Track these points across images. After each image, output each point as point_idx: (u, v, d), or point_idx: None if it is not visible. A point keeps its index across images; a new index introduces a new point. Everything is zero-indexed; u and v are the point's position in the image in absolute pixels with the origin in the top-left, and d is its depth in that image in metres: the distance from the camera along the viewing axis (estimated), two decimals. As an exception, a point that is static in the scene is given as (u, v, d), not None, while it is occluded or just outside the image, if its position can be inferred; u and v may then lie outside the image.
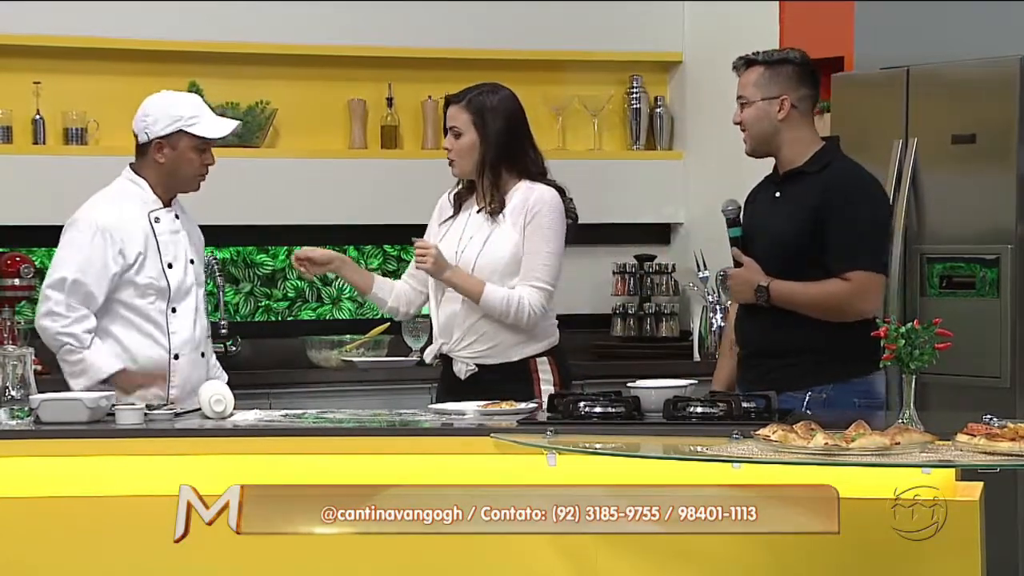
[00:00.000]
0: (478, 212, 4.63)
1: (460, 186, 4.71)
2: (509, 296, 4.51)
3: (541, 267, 4.54)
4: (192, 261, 4.67)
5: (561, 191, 4.61)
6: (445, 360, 4.66)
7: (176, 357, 4.60)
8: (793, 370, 4.25)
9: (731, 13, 6.40)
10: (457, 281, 4.55)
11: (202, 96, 6.01)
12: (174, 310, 4.61)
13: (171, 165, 4.57)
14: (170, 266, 4.60)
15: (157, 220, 4.60)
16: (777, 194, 4.43)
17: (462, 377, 4.60)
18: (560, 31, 6.48)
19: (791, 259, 4.32)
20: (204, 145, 4.57)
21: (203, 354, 4.70)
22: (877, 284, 4.30)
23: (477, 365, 4.59)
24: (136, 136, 4.61)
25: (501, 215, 4.56)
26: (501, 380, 4.50)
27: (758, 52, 4.42)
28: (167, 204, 4.63)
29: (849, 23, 5.88)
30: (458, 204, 4.70)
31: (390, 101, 6.39)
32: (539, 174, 4.62)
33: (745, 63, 4.41)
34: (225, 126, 4.61)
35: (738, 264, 4.42)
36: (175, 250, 4.62)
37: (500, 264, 4.54)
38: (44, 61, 5.98)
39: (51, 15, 5.88)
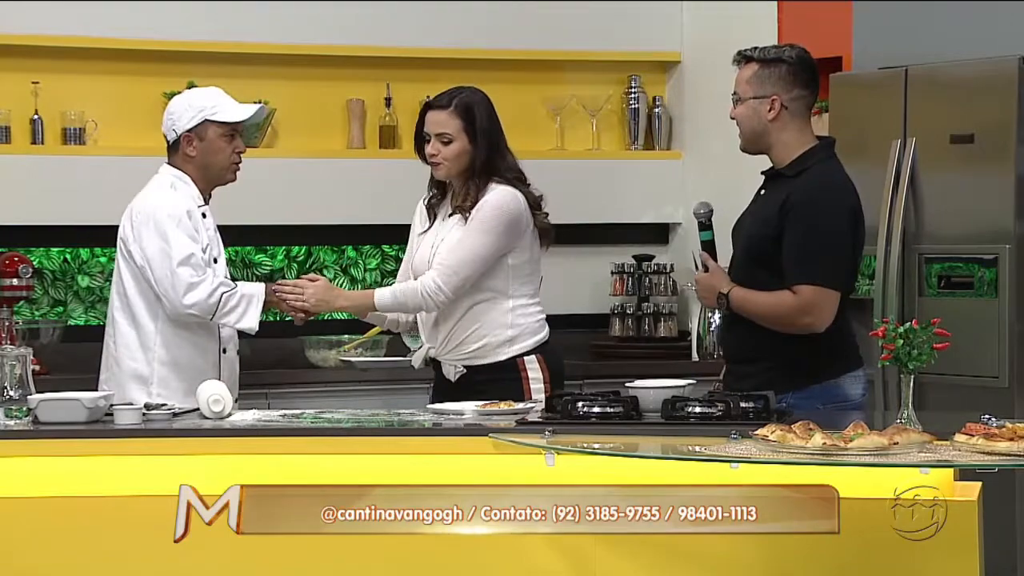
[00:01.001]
0: (451, 215, 4.64)
1: (432, 193, 4.70)
2: (402, 289, 4.60)
3: (450, 253, 4.54)
4: (226, 258, 4.78)
5: (531, 196, 4.63)
6: (435, 363, 4.68)
7: (224, 351, 4.67)
8: (752, 381, 4.20)
9: (729, 13, 6.40)
10: (349, 305, 4.76)
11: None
12: None
13: (203, 157, 4.64)
14: (215, 260, 4.66)
15: (204, 216, 4.68)
16: (762, 192, 4.44)
17: (452, 379, 4.61)
18: (558, 31, 6.48)
19: (755, 263, 4.32)
20: (231, 132, 4.64)
21: (238, 352, 4.76)
22: (826, 299, 4.22)
23: (465, 367, 4.60)
24: (166, 138, 4.68)
25: (463, 216, 4.59)
26: (491, 380, 4.52)
27: (756, 48, 4.40)
28: (206, 201, 4.71)
29: (848, 23, 5.89)
30: (432, 212, 4.70)
31: (388, 101, 6.39)
32: (516, 179, 4.62)
33: (743, 58, 4.39)
34: (247, 108, 4.68)
35: (706, 268, 4.42)
36: (217, 246, 4.72)
37: None
38: (42, 61, 5.98)
39: (49, 15, 5.88)
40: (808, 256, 4.21)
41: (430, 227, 4.69)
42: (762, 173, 4.46)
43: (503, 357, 4.61)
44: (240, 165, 4.71)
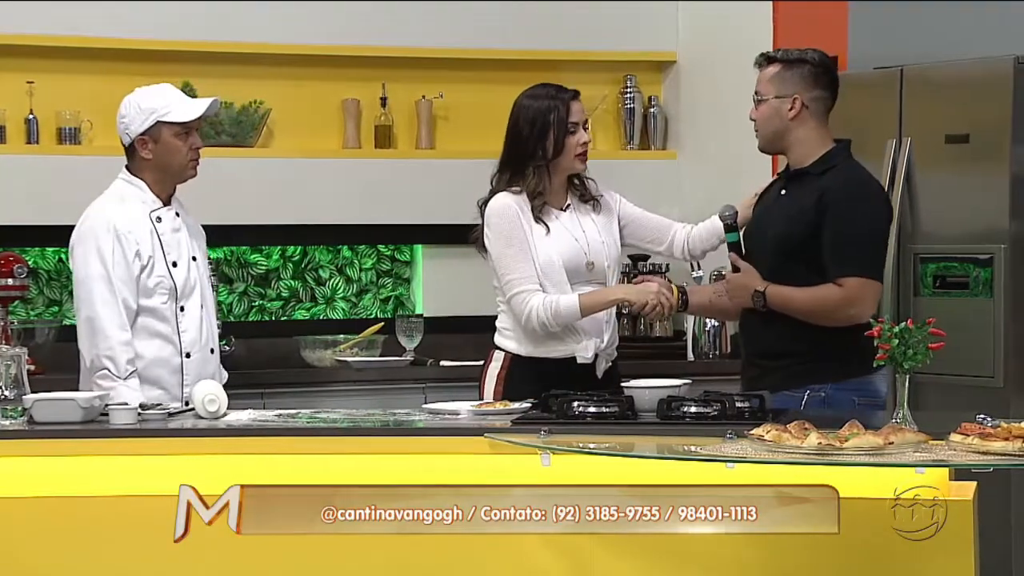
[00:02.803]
0: (565, 208, 4.65)
1: (538, 200, 4.61)
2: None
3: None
4: (194, 258, 4.69)
5: None
6: (587, 360, 4.61)
7: (188, 356, 4.62)
8: (791, 370, 4.28)
9: (725, 13, 6.40)
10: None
11: (194, 95, 6.02)
12: (182, 308, 4.63)
13: (159, 158, 4.60)
14: (175, 264, 4.63)
15: (159, 220, 4.63)
16: (783, 191, 4.47)
17: (599, 375, 4.60)
18: (554, 31, 6.48)
19: (788, 259, 4.34)
20: (185, 130, 4.60)
21: (212, 350, 4.71)
22: (870, 291, 4.30)
23: (611, 361, 4.66)
24: (122, 143, 4.65)
25: (596, 202, 4.69)
26: (617, 375, 4.55)
27: (779, 50, 4.48)
28: (167, 202, 4.66)
29: (843, 23, 5.89)
30: (538, 218, 4.62)
31: (384, 101, 6.39)
32: None
33: (765, 60, 4.44)
34: (198, 106, 4.62)
35: (736, 269, 4.44)
36: (178, 249, 4.65)
37: (618, 252, 4.72)
38: (37, 61, 5.97)
39: (44, 15, 5.87)
40: (853, 248, 4.27)
41: (549, 230, 4.60)
42: (782, 174, 4.49)
43: (617, 353, 4.72)
44: (199, 160, 4.64)
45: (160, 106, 4.58)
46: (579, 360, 4.57)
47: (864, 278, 4.28)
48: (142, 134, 4.57)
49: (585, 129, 4.62)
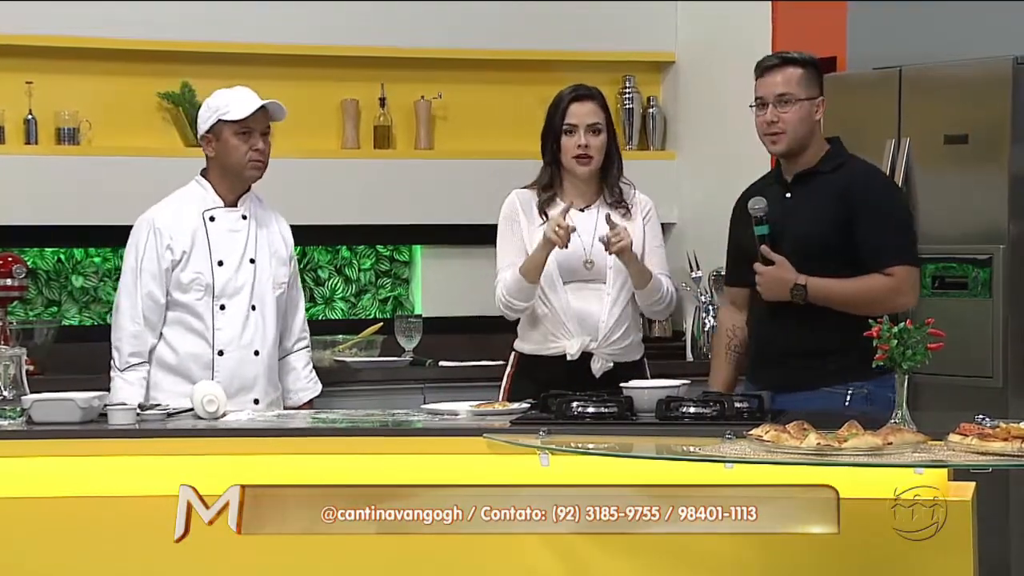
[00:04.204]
0: (584, 209, 4.62)
1: (548, 194, 4.64)
2: (666, 282, 4.67)
3: (664, 261, 4.71)
4: (252, 260, 4.68)
5: None
6: (578, 360, 4.59)
7: (220, 353, 4.63)
8: (827, 367, 4.26)
9: (724, 13, 6.40)
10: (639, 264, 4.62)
11: (193, 96, 6.02)
12: (223, 307, 4.63)
13: (220, 157, 4.66)
14: (220, 264, 4.64)
15: (212, 219, 4.66)
16: (788, 195, 4.43)
17: (597, 375, 4.58)
18: (553, 31, 6.48)
19: (811, 260, 4.31)
20: (246, 129, 4.62)
21: (256, 352, 4.68)
22: (916, 278, 4.36)
23: (614, 363, 4.60)
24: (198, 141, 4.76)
25: (627, 210, 4.64)
26: (628, 379, 4.44)
27: (787, 53, 4.46)
28: (232, 203, 4.69)
29: (842, 23, 5.89)
30: (542, 212, 4.65)
31: (383, 101, 6.39)
32: None
33: (782, 61, 4.40)
34: (250, 104, 4.63)
35: (768, 262, 4.34)
36: (228, 249, 4.66)
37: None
38: (36, 61, 5.97)
39: (43, 15, 5.87)
40: (895, 237, 4.31)
41: (545, 220, 4.62)
42: (776, 179, 4.48)
43: (637, 356, 4.69)
44: (262, 162, 4.68)
45: (222, 105, 4.64)
46: (568, 357, 4.56)
47: (911, 266, 4.32)
48: (206, 132, 4.65)
49: (595, 133, 4.58)
